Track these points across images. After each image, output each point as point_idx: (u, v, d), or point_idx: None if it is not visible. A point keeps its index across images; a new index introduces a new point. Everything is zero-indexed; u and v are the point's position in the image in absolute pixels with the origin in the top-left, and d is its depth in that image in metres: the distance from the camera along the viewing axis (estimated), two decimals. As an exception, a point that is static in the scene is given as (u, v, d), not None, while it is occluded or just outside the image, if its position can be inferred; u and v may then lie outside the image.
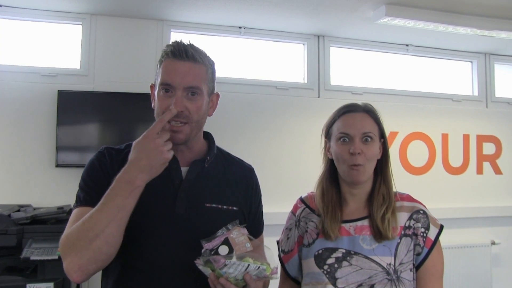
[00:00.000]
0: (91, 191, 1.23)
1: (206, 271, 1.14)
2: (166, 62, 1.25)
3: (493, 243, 3.93)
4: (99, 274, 1.38)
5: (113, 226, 1.09)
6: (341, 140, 1.37)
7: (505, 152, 4.16)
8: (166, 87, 1.23)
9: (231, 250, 1.17)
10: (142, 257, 1.23)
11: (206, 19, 3.40)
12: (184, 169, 1.30)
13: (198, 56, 1.27)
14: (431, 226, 1.37)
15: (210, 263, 1.13)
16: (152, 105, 1.31)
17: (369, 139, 1.35)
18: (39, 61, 3.18)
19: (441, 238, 1.38)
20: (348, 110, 1.40)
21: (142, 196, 1.15)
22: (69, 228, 1.16)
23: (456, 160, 4.01)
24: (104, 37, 3.24)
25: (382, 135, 1.42)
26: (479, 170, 4.08)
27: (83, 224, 1.10)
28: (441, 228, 1.39)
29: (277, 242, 1.53)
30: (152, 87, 1.32)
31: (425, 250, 1.34)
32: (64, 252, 1.12)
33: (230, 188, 1.35)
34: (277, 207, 2.84)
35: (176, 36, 3.44)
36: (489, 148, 4.12)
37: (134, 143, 1.16)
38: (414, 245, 1.35)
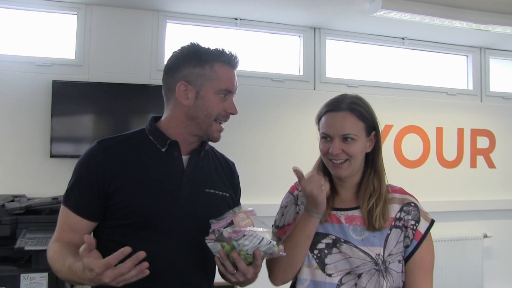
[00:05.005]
0: (73, 195, 1.32)
1: (215, 247, 1.20)
2: (225, 69, 1.40)
3: (485, 236, 3.96)
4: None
5: (75, 280, 1.20)
6: (323, 139, 1.40)
7: (498, 146, 4.19)
8: (226, 93, 1.40)
9: None
10: (152, 240, 1.29)
11: (202, 10, 3.38)
12: (184, 158, 1.40)
13: None
14: (422, 219, 1.37)
15: (220, 241, 1.19)
16: (185, 103, 1.36)
17: (349, 139, 1.35)
18: (34, 51, 3.15)
19: (433, 230, 1.38)
20: (330, 109, 1.39)
21: (148, 181, 1.31)
22: (53, 240, 1.31)
23: (450, 153, 4.03)
24: (99, 27, 3.22)
25: (372, 127, 1.40)
26: (473, 164, 4.10)
27: (54, 266, 1.25)
28: (431, 222, 1.39)
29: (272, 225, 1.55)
30: (183, 84, 1.36)
31: (414, 242, 1.35)
32: (47, 253, 1.29)
33: (221, 177, 1.47)
34: (271, 199, 2.85)
35: (171, 27, 3.43)
36: (483, 142, 4.15)
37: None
38: (404, 237, 1.35)
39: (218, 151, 1.56)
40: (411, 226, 1.36)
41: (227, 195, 1.45)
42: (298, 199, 1.50)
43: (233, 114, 1.41)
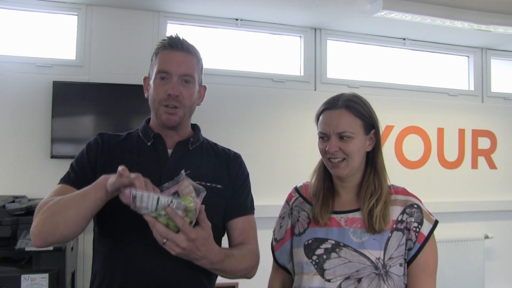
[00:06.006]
0: (74, 173, 1.38)
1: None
2: (163, 53, 1.39)
3: (486, 237, 3.95)
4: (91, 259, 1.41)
5: (73, 209, 1.20)
6: (321, 138, 1.39)
7: (500, 147, 4.18)
8: (163, 74, 1.36)
9: None
10: (129, 233, 1.29)
11: (202, 11, 3.38)
12: (170, 151, 1.41)
13: (191, 48, 1.41)
14: (425, 221, 1.35)
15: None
16: (146, 95, 1.45)
17: (346, 137, 1.34)
18: (34, 52, 3.15)
19: (435, 231, 1.36)
20: (326, 107, 1.39)
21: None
22: (47, 198, 1.30)
23: (451, 154, 4.03)
24: (100, 28, 3.22)
25: (371, 125, 1.39)
26: (474, 165, 4.10)
27: (59, 200, 1.24)
28: (435, 223, 1.37)
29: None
30: (146, 79, 1.46)
31: (417, 245, 1.32)
32: (35, 214, 1.27)
33: (214, 169, 1.44)
34: (272, 200, 2.85)
35: (172, 27, 3.43)
36: (484, 143, 4.14)
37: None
38: (406, 240, 1.33)
39: (220, 146, 1.53)
40: (414, 229, 1.33)
41: (219, 186, 1.40)
42: (293, 209, 1.48)
43: (172, 94, 1.34)
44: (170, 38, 1.40)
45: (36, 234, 1.24)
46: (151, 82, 1.40)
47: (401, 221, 1.34)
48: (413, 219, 1.34)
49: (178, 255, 1.17)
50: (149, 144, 1.41)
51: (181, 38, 1.41)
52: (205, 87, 1.49)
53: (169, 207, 1.11)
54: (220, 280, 1.46)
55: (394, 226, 1.34)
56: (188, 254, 1.17)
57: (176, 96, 1.34)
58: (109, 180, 1.17)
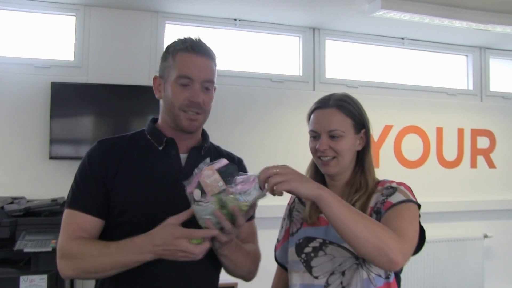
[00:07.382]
0: (80, 195, 1.31)
1: (208, 209, 1.16)
2: (183, 56, 1.33)
3: (485, 236, 3.95)
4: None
5: (111, 271, 1.23)
6: (312, 137, 1.40)
7: (499, 146, 4.18)
8: (185, 80, 1.31)
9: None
10: None
11: (201, 11, 3.38)
12: (183, 156, 1.38)
13: (211, 52, 1.39)
14: (396, 194, 1.28)
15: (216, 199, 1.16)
16: (157, 96, 1.40)
17: (336, 136, 1.34)
18: (32, 53, 3.15)
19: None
20: (318, 106, 1.39)
21: (145, 180, 1.30)
22: (66, 239, 1.27)
23: (450, 153, 4.03)
24: (98, 29, 3.21)
25: (362, 125, 1.38)
26: (473, 164, 4.09)
27: (90, 257, 1.23)
28: (412, 201, 1.26)
29: None
30: (156, 78, 1.40)
31: (383, 212, 1.26)
32: (63, 259, 1.26)
33: None
34: (271, 200, 2.84)
35: (170, 28, 3.42)
36: (483, 142, 4.14)
37: (162, 226, 1.18)
38: (376, 216, 1.28)
39: (224, 149, 1.53)
40: (382, 201, 1.28)
41: None
42: (291, 210, 1.50)
43: (195, 102, 1.32)
44: (191, 41, 1.36)
45: (69, 274, 1.27)
46: (168, 85, 1.35)
47: (375, 204, 1.31)
48: (384, 197, 1.29)
49: (224, 242, 1.21)
50: (160, 148, 1.37)
51: (201, 41, 1.38)
52: (215, 88, 1.46)
53: (255, 201, 1.20)
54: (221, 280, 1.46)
55: (372, 212, 1.30)
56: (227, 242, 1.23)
57: (198, 103, 1.32)
58: (156, 242, 1.17)
